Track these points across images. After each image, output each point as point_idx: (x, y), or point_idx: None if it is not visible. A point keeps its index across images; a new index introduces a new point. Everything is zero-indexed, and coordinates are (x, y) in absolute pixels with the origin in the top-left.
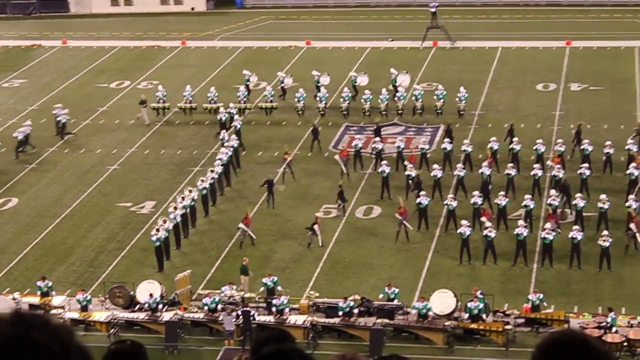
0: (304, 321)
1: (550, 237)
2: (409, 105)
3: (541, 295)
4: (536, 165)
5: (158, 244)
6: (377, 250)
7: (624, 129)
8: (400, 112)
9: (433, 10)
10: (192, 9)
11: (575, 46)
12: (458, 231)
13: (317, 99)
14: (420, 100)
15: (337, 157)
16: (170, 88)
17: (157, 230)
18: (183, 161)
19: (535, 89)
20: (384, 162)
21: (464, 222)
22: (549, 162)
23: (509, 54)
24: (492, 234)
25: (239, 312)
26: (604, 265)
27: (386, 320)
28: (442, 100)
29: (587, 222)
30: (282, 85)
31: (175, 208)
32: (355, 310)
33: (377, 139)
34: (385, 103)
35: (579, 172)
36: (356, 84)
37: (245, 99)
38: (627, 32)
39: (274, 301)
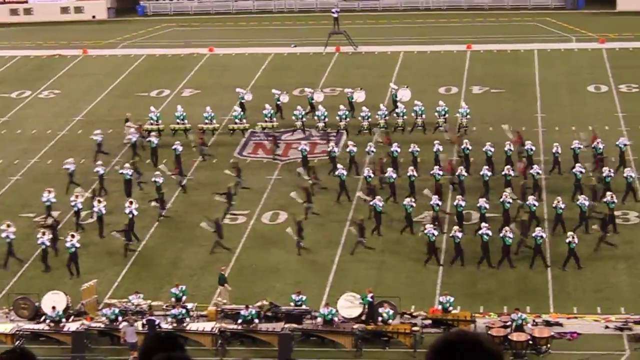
0: (212, 328)
1: (487, 236)
2: (410, 121)
3: (451, 299)
4: (436, 167)
5: (73, 250)
6: (284, 255)
7: (525, 130)
8: (400, 128)
9: (335, 15)
10: (93, 17)
11: (476, 49)
12: (426, 231)
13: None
14: (422, 116)
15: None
16: (72, 98)
17: (72, 236)
18: (87, 171)
19: (438, 93)
20: (340, 166)
21: (428, 226)
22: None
23: (411, 58)
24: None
25: (144, 321)
26: (575, 264)
27: (294, 325)
28: (423, 115)
29: (491, 223)
30: (242, 101)
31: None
32: (257, 320)
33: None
34: (384, 119)
35: (481, 173)
36: (353, 100)
37: (243, 120)
38: (527, 35)
39: (173, 310)
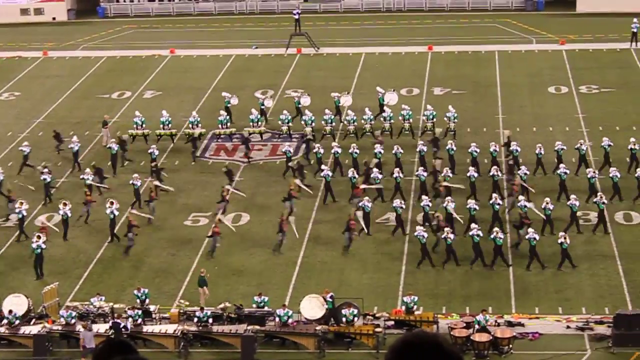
0: (175, 330)
1: (451, 238)
2: (397, 125)
3: (416, 298)
4: (396, 169)
5: (39, 251)
6: (247, 257)
7: (486, 131)
8: (387, 132)
9: (296, 17)
10: (54, 18)
11: (437, 51)
12: (416, 234)
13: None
14: (409, 120)
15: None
16: (33, 99)
17: (38, 237)
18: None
19: (400, 94)
20: (325, 167)
21: (419, 227)
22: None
23: (372, 59)
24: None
25: (109, 324)
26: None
27: (257, 327)
28: (410, 120)
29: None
30: (228, 105)
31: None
32: (210, 320)
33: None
34: (370, 123)
35: (468, 174)
36: (339, 104)
37: (228, 124)
38: (487, 37)
39: (129, 312)
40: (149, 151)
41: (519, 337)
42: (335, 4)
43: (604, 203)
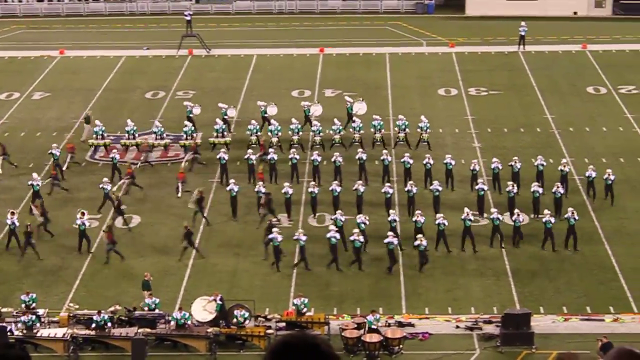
0: (64, 334)
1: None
2: (367, 135)
3: (306, 300)
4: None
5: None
6: (137, 259)
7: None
8: (357, 143)
9: (188, 18)
10: None
11: (329, 53)
12: (414, 219)
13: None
14: (380, 130)
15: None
16: None
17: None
18: None
19: (291, 96)
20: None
21: (418, 211)
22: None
23: (264, 61)
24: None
25: None
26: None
27: (148, 330)
28: (382, 130)
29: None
30: (226, 117)
31: None
32: (109, 324)
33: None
34: (339, 134)
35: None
36: (309, 114)
37: (223, 133)
38: (378, 39)
39: (22, 317)
40: (111, 156)
41: (409, 338)
42: (226, 5)
43: (574, 219)
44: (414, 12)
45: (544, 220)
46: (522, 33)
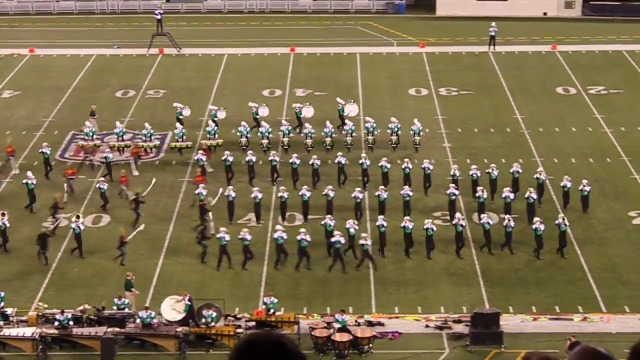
0: (33, 333)
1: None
2: (359, 138)
3: (275, 300)
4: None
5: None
6: (108, 259)
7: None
8: (349, 146)
9: (158, 17)
10: None
11: (299, 52)
12: (402, 224)
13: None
14: (373, 133)
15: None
16: None
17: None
18: None
19: (262, 95)
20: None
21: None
22: None
23: (235, 60)
24: (308, 238)
25: None
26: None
27: (117, 329)
28: (374, 132)
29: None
30: (216, 118)
31: None
32: (72, 323)
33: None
34: (330, 137)
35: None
36: (301, 116)
37: (215, 135)
38: (349, 39)
39: None
40: (104, 155)
41: (379, 337)
42: (197, 4)
43: (565, 225)
44: (384, 12)
45: (533, 227)
46: (493, 33)
